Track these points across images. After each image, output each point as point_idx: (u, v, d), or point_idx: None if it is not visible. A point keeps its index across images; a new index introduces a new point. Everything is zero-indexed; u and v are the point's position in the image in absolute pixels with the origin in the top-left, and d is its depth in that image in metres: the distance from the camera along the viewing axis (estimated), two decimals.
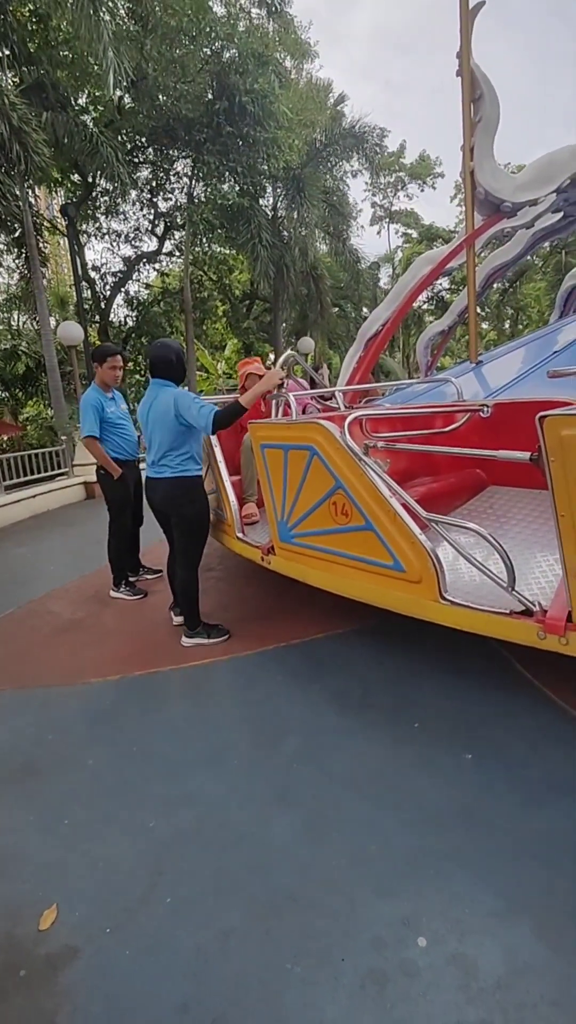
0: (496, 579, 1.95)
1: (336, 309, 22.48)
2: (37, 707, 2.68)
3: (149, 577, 4.38)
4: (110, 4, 10.53)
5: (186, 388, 3.02)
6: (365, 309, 26.05)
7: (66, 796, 2.05)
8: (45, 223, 14.92)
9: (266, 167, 14.73)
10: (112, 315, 18.61)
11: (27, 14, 11.39)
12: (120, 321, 19.36)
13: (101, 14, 8.39)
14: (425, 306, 29.30)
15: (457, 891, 1.54)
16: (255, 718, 2.43)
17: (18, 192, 10.99)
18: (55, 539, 6.30)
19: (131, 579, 4.21)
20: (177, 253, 19.48)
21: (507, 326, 30.51)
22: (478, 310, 5.42)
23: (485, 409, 2.94)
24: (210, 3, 13.22)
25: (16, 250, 13.61)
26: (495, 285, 10.55)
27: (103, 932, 1.50)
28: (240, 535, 3.24)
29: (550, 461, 1.66)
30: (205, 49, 12.79)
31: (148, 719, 2.49)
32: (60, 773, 2.19)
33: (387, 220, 33.62)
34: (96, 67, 10.49)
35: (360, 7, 66.37)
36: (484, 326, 29.37)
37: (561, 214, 5.97)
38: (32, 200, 11.56)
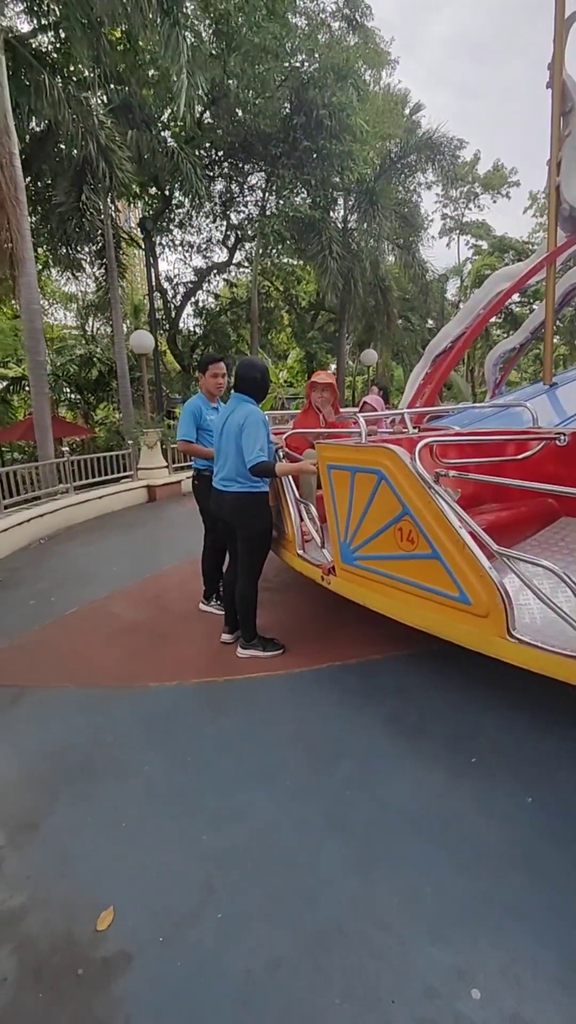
0: (569, 619, 1.87)
1: (402, 321, 22.28)
2: (96, 707, 2.79)
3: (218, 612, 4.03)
4: (195, 26, 10.99)
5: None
6: (431, 321, 25.71)
7: (121, 800, 2.12)
8: (124, 235, 15.65)
9: (339, 180, 14.84)
10: (181, 323, 19.26)
11: (119, 35, 12.05)
12: (189, 330, 19.99)
13: (183, 35, 8.75)
14: (492, 319, 28.54)
15: (516, 947, 1.48)
16: (308, 737, 2.43)
17: (101, 206, 11.60)
18: (117, 540, 6.54)
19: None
20: (246, 264, 19.94)
21: None
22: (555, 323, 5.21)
23: (562, 438, 2.83)
24: (292, 18, 13.53)
25: (97, 261, 14.36)
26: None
27: (156, 942, 1.54)
28: (300, 552, 3.25)
29: None
30: (286, 63, 13.07)
31: (202, 729, 2.54)
32: (116, 776, 2.26)
33: (457, 231, 33.05)
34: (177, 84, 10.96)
35: (437, 14, 65.81)
36: (555, 340, 28.27)
37: None
38: (112, 213, 12.16)
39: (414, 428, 3.85)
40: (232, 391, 3.10)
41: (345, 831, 1.90)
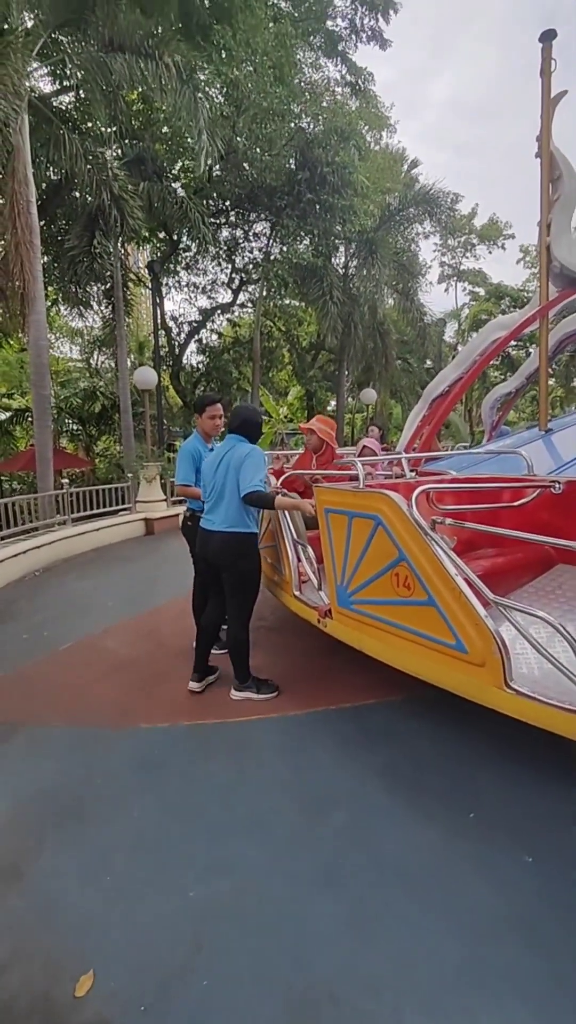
0: (566, 671, 1.87)
1: (400, 362, 22.82)
2: (88, 746, 2.74)
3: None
4: (208, 91, 11.66)
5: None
6: (429, 362, 26.31)
7: (109, 846, 2.07)
8: (131, 276, 16.17)
9: (340, 230, 15.46)
10: (184, 360, 19.68)
11: (135, 97, 12.75)
12: (192, 366, 20.41)
13: (200, 100, 9.28)
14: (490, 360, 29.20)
15: (513, 1017, 1.42)
16: (301, 785, 2.38)
17: (112, 250, 12.02)
18: (114, 574, 6.52)
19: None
20: (249, 305, 20.52)
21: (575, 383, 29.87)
22: (550, 367, 5.37)
23: (557, 486, 2.88)
24: (297, 81, 14.35)
25: (105, 300, 14.77)
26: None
27: (137, 1010, 1.48)
28: (297, 593, 3.25)
29: None
30: (291, 125, 13.80)
31: (194, 773, 2.49)
32: (105, 821, 2.21)
33: (455, 278, 34.20)
34: (191, 141, 11.54)
35: (438, 78, 69.93)
36: (551, 383, 28.90)
37: None
38: (121, 255, 12.59)
39: (411, 471, 3.91)
40: (228, 432, 3.15)
41: (337, 887, 1.84)
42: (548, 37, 4.46)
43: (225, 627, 3.95)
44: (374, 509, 2.48)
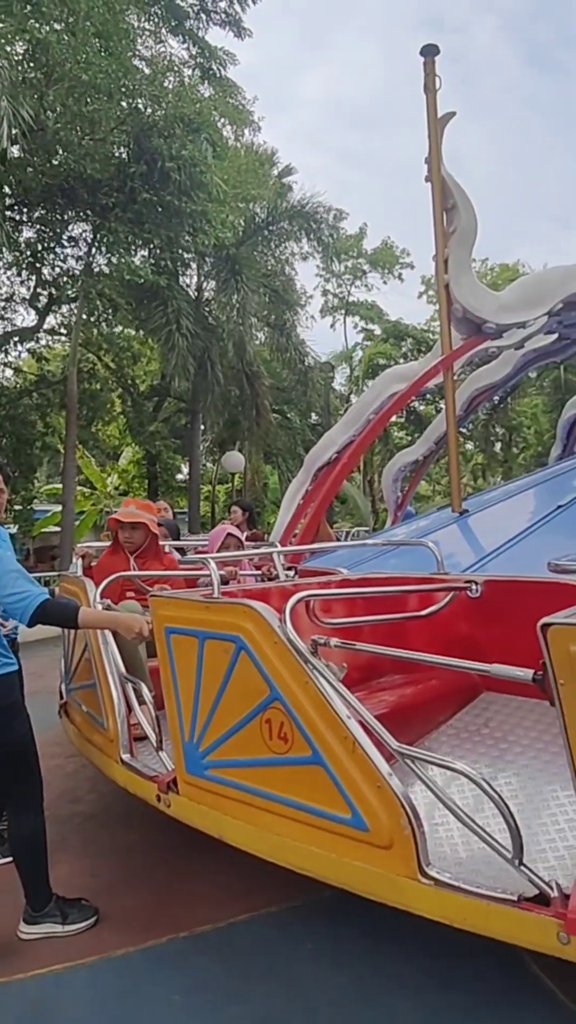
0: (498, 846, 1.96)
1: (277, 416, 24.07)
2: None
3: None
4: (6, 48, 12.25)
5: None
6: (315, 416, 28.10)
7: None
8: None
9: (191, 241, 16.46)
10: None
11: None
12: None
13: None
14: (392, 417, 31.91)
15: None
16: None
17: None
18: None
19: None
20: (63, 332, 20.67)
21: (498, 448, 33.55)
22: (462, 429, 5.99)
23: (474, 587, 3.14)
24: (135, 60, 15.57)
25: None
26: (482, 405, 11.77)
27: None
28: (126, 758, 3.13)
29: (559, 684, 1.78)
30: (122, 105, 14.82)
31: None
32: None
33: (343, 312, 37.65)
34: None
35: (310, 74, 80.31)
36: (469, 446, 32.17)
37: (555, 335, 6.95)
38: None
39: (288, 570, 4.04)
40: None
41: None
42: (430, 52, 5.39)
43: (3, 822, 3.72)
44: (234, 628, 2.50)
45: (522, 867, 1.93)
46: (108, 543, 4.39)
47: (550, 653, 1.79)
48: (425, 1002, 2.41)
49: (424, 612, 3.29)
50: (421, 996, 2.45)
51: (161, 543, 4.18)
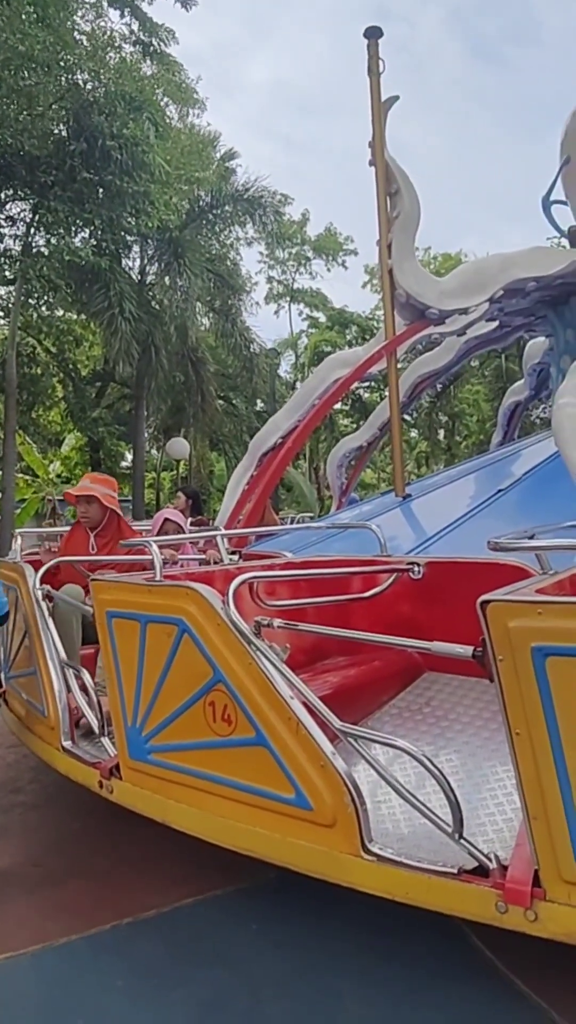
0: (439, 821, 1.99)
1: (222, 402, 23.96)
2: None
3: None
4: None
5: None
6: (260, 403, 28.04)
7: None
8: None
9: (134, 223, 16.18)
10: None
11: None
12: None
13: None
14: (337, 404, 32.10)
15: None
16: None
17: None
18: None
19: None
20: (0, 314, 20.11)
21: (441, 436, 34.06)
22: (406, 416, 6.06)
23: (416, 569, 3.17)
24: (75, 33, 15.15)
25: None
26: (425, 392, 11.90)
27: None
28: (67, 744, 3.08)
29: (498, 660, 1.81)
30: (62, 79, 14.43)
31: None
32: None
33: (287, 299, 37.61)
34: None
35: (254, 58, 79.61)
36: (413, 434, 32.59)
37: (496, 323, 7.07)
38: None
39: (232, 555, 4.02)
40: None
41: None
42: (374, 34, 5.40)
43: None
44: (177, 610, 2.48)
45: (462, 840, 1.97)
46: (53, 529, 4.32)
47: (489, 630, 1.82)
48: (369, 979, 2.44)
49: (367, 594, 3.32)
50: (365, 973, 2.48)
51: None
